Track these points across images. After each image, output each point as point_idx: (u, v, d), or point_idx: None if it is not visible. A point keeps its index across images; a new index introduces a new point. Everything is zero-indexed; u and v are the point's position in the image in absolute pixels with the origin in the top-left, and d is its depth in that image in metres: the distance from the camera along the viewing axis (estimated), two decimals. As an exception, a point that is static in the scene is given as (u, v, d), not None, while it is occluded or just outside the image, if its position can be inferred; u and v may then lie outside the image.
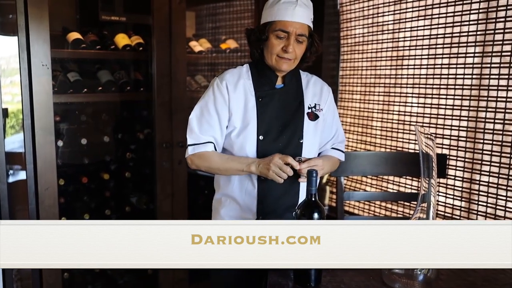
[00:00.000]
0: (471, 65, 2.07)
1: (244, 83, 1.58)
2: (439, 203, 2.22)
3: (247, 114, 1.55)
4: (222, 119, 1.57)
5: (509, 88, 1.92)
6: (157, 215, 2.52)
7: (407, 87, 2.38)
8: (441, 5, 2.18)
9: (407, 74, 2.38)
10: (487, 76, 2.00)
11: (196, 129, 1.57)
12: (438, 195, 2.22)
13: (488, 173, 2.02)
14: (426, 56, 2.27)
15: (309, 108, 1.62)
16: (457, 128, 2.14)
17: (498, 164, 1.98)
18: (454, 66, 2.13)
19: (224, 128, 1.58)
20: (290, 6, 1.48)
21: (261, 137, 1.55)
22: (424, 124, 2.28)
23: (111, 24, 2.55)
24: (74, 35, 2.35)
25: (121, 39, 2.48)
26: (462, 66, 2.10)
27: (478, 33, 2.03)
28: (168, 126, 2.48)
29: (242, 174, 1.54)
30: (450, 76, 2.16)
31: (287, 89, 1.61)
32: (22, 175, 2.20)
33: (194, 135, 1.57)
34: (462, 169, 2.13)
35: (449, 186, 2.19)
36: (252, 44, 1.60)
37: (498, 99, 1.96)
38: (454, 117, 2.15)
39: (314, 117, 1.62)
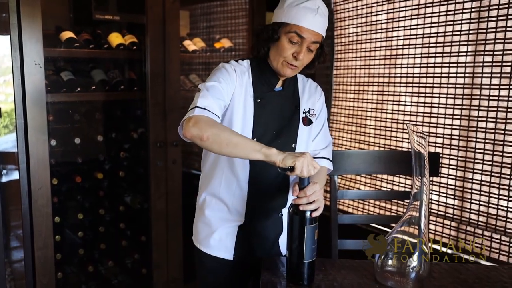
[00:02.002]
0: (463, 64, 2.08)
1: (246, 80, 1.53)
2: (432, 201, 2.23)
3: (245, 114, 1.51)
4: (227, 99, 1.47)
5: (501, 87, 1.93)
6: (151, 214, 2.52)
7: (400, 86, 2.39)
8: (434, 4, 2.19)
9: (401, 73, 2.38)
10: (480, 75, 2.01)
11: (209, 95, 1.40)
12: (431, 193, 2.23)
13: (480, 172, 2.03)
14: (419, 55, 2.28)
15: (303, 113, 1.59)
16: (450, 126, 2.15)
17: (490, 163, 1.99)
18: (447, 65, 2.14)
19: (225, 108, 1.49)
20: (311, 13, 1.42)
21: (255, 140, 1.50)
22: (418, 123, 2.29)
23: (104, 23, 2.54)
24: (67, 34, 2.34)
25: (115, 38, 2.47)
26: (455, 65, 2.11)
27: (471, 32, 2.04)
28: (162, 125, 2.47)
29: (253, 156, 1.30)
30: (443, 75, 2.17)
31: (285, 92, 1.57)
32: (15, 175, 2.19)
33: (207, 101, 1.38)
34: (455, 167, 2.14)
35: (442, 185, 2.20)
36: (260, 42, 1.51)
37: (491, 97, 1.97)
38: (447, 116, 2.16)
39: (308, 122, 1.59)
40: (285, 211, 1.62)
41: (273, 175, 1.54)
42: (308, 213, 1.31)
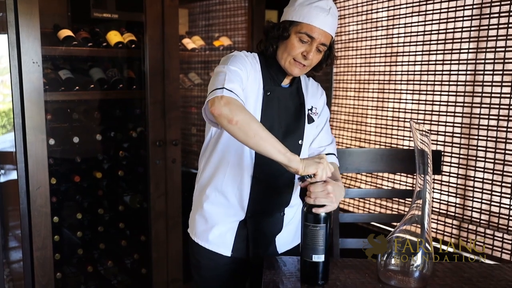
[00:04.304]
0: (465, 61, 2.06)
1: (257, 71, 1.51)
2: (434, 199, 2.22)
3: (255, 105, 1.49)
4: (245, 85, 1.44)
5: (503, 84, 1.92)
6: (150, 214, 2.50)
7: (401, 84, 2.38)
8: (435, 1, 2.17)
9: (402, 71, 2.37)
10: (481, 72, 2.00)
11: (235, 79, 1.36)
12: (433, 191, 2.21)
13: (482, 170, 2.02)
14: (421, 52, 2.26)
15: (308, 110, 1.60)
16: (451, 124, 2.14)
17: (492, 160, 1.98)
18: (449, 62, 2.13)
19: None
20: (322, 12, 1.42)
21: None
22: (419, 121, 2.28)
23: (103, 21, 2.52)
24: (65, 32, 2.32)
25: (113, 37, 2.45)
26: (457, 62, 2.10)
27: (472, 28, 2.03)
28: (161, 124, 2.46)
29: (275, 156, 1.29)
30: (444, 72, 2.15)
31: (291, 89, 1.57)
32: (13, 175, 2.17)
33: (234, 84, 1.33)
34: (456, 165, 2.13)
35: (443, 183, 2.19)
36: (269, 39, 1.50)
37: (492, 95, 1.96)
38: (448, 114, 2.15)
39: (310, 120, 1.60)
40: (287, 211, 1.61)
41: (278, 172, 1.52)
42: (321, 213, 1.30)
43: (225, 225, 1.56)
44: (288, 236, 1.63)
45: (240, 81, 1.39)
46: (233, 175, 1.52)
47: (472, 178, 2.06)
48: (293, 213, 1.63)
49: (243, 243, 1.57)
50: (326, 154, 1.63)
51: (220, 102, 1.27)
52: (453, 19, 2.10)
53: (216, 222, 1.56)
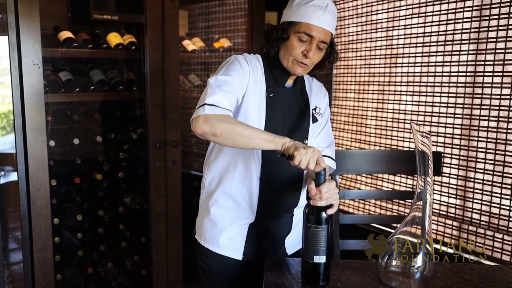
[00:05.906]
0: (465, 63, 2.07)
1: (259, 74, 1.53)
2: (434, 201, 2.22)
3: (259, 108, 1.50)
4: (239, 92, 1.46)
5: (503, 85, 1.92)
6: (151, 215, 2.50)
7: (401, 85, 2.38)
8: (435, 2, 2.18)
9: (401, 72, 2.37)
10: (481, 74, 2.00)
11: (218, 91, 1.38)
12: (433, 193, 2.22)
13: (483, 171, 2.02)
14: (420, 54, 2.26)
15: (311, 110, 1.60)
16: (451, 125, 2.14)
17: (492, 162, 1.98)
18: (448, 63, 2.13)
19: (238, 102, 1.47)
20: (319, 10, 1.44)
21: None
22: (419, 122, 2.28)
23: (103, 23, 2.52)
24: (65, 34, 2.33)
25: (114, 38, 2.46)
26: (456, 63, 2.10)
27: (472, 30, 2.03)
28: (161, 125, 2.46)
29: (267, 147, 1.33)
30: (444, 74, 2.16)
31: (295, 89, 1.58)
32: (13, 176, 2.17)
33: (216, 97, 1.37)
34: (457, 167, 2.13)
35: (444, 184, 2.19)
36: (269, 42, 1.52)
37: (492, 96, 1.96)
38: (448, 115, 2.15)
39: (314, 119, 1.60)
40: (296, 212, 1.61)
41: (285, 171, 1.53)
42: (323, 213, 1.30)
43: (234, 228, 1.55)
44: (296, 237, 1.64)
45: (229, 87, 1.41)
46: (241, 178, 1.52)
47: (472, 180, 2.07)
48: (301, 214, 1.63)
49: (254, 246, 1.56)
50: (323, 156, 1.63)
51: (198, 121, 1.34)
52: (453, 21, 2.10)
53: (226, 226, 1.55)
